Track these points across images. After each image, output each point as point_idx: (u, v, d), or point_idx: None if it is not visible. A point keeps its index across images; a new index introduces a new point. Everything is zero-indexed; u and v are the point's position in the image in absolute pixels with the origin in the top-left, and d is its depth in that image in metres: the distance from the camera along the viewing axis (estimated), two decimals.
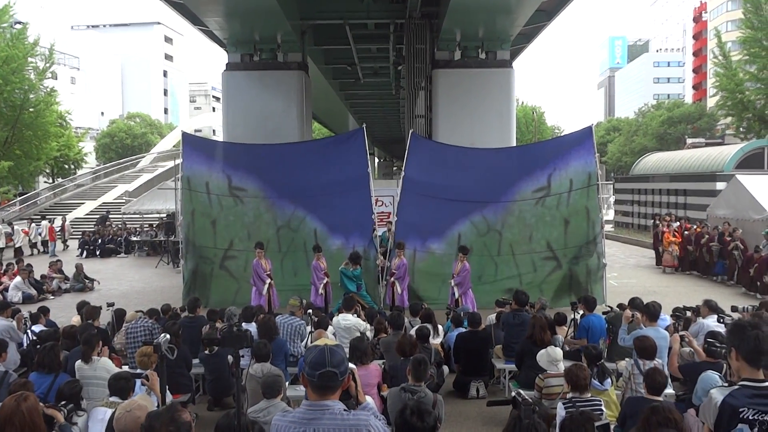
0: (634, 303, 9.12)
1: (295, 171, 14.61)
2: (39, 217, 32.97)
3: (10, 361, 8.20)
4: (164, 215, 29.59)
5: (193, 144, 15.47)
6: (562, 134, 66.73)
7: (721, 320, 8.53)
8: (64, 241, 31.05)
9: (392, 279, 13.49)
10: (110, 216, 33.36)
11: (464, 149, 15.40)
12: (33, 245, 29.33)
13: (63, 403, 5.37)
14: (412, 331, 8.94)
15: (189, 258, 14.90)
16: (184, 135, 16.00)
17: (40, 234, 29.58)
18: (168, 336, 5.22)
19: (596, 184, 14.17)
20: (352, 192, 14.12)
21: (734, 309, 9.43)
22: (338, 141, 16.96)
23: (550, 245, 14.45)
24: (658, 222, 23.03)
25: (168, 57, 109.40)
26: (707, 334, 6.83)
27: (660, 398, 5.58)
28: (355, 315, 9.64)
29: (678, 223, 22.00)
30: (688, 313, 9.83)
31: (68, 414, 5.26)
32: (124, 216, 32.27)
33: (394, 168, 60.98)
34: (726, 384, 3.87)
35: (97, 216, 38.69)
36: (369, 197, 14.00)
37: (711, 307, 8.89)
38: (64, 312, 14.21)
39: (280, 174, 14.68)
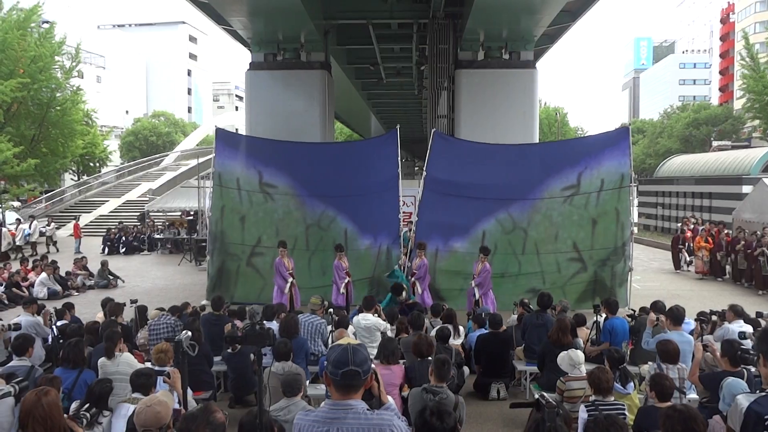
0: (657, 306, 9.04)
1: (328, 171, 14.63)
2: (32, 217, 30.85)
3: (36, 356, 8.30)
4: (187, 213, 29.78)
5: (226, 140, 15.50)
6: (586, 134, 66.30)
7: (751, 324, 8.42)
8: (54, 243, 29.41)
9: (413, 279, 13.46)
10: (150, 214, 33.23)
11: (490, 145, 15.27)
12: (18, 248, 27.28)
13: (86, 407, 5.41)
14: (433, 332, 8.94)
15: (216, 254, 14.95)
16: (218, 130, 15.98)
17: (27, 236, 27.92)
18: (189, 333, 5.26)
19: (629, 186, 13.97)
20: (383, 193, 14.14)
21: (759, 314, 9.31)
22: (373, 144, 16.99)
23: (576, 246, 14.26)
24: (685, 227, 22.71)
25: (192, 56, 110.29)
26: (723, 342, 6.69)
27: (678, 405, 5.48)
28: (375, 315, 9.64)
29: (704, 227, 21.68)
30: (714, 318, 9.70)
31: (91, 418, 5.30)
32: (158, 213, 32.35)
33: (416, 168, 60.89)
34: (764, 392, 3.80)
35: (122, 214, 39.20)
36: (397, 197, 14.00)
37: (737, 312, 8.78)
38: (88, 308, 14.36)
39: (312, 173, 14.69)
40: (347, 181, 14.50)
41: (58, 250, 27.64)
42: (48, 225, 30.30)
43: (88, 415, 5.27)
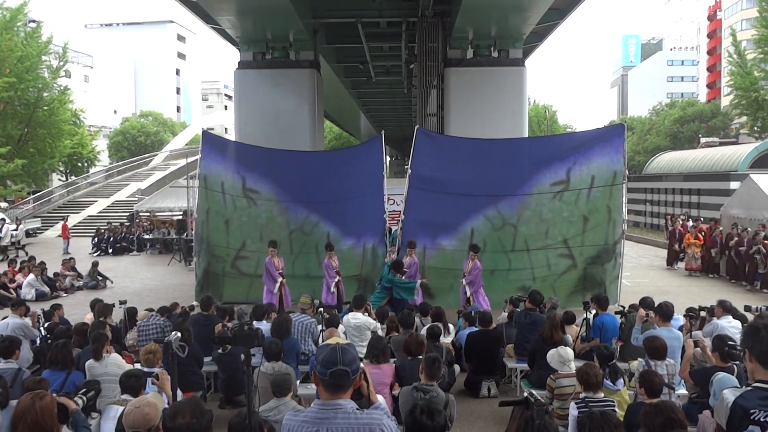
0: (646, 302, 9.07)
1: (312, 178, 14.66)
2: (2, 221, 29.08)
3: (23, 359, 8.24)
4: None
5: (212, 143, 15.54)
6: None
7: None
8: (19, 248, 28.29)
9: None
10: (140, 214, 33.00)
11: (477, 140, 15.17)
12: None
13: (83, 390, 5.40)
14: (423, 330, 8.94)
15: (202, 256, 14.95)
16: (204, 133, 16.02)
17: None
18: (179, 334, 5.24)
19: (621, 184, 13.89)
20: (366, 195, 14.13)
21: (747, 308, 9.36)
22: (358, 151, 17.02)
23: (567, 242, 14.19)
24: (671, 222, 22.68)
25: (181, 55, 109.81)
26: (715, 338, 6.76)
27: (657, 399, 5.50)
28: (366, 314, 9.63)
29: (692, 223, 21.66)
30: (702, 313, 9.74)
31: (88, 402, 5.29)
32: (146, 213, 32.17)
33: (406, 167, 61.10)
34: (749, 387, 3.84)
35: (110, 214, 39.04)
36: (381, 198, 13.96)
37: (725, 308, 8.81)
38: (77, 309, 14.30)
39: (295, 180, 14.73)
40: (331, 187, 14.53)
41: (18, 255, 25.08)
42: (16, 229, 29.45)
43: (84, 398, 5.26)
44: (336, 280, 13.37)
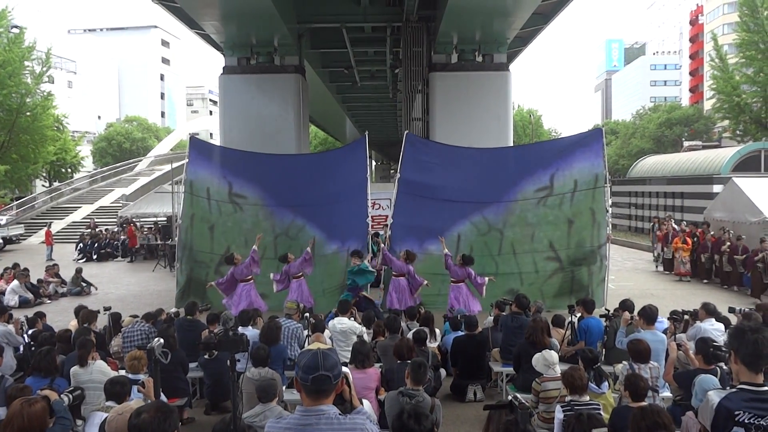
0: (626, 305, 9.12)
1: (297, 182, 14.60)
2: None
3: (6, 365, 8.17)
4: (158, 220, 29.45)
5: (199, 148, 15.43)
6: (560, 136, 66.77)
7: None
8: None
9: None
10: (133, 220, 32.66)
11: (463, 149, 15.20)
12: None
13: (70, 390, 5.38)
14: (410, 335, 8.94)
15: (185, 262, 14.84)
16: (192, 139, 15.90)
17: None
18: (162, 340, 5.22)
19: (603, 187, 13.93)
20: (351, 199, 14.10)
21: (731, 310, 9.42)
22: (342, 153, 16.99)
23: (553, 245, 14.20)
24: (658, 225, 22.67)
25: (165, 60, 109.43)
26: (698, 341, 6.80)
27: (644, 403, 5.53)
28: (351, 318, 9.62)
29: (680, 227, 21.62)
30: (686, 317, 9.79)
31: (74, 400, 5.26)
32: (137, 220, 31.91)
33: (392, 171, 61.02)
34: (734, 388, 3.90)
35: (95, 220, 38.75)
36: (365, 202, 13.93)
37: (709, 311, 8.85)
38: (61, 316, 14.18)
39: (281, 183, 14.65)
40: (316, 191, 14.46)
41: None
42: None
43: (70, 396, 5.23)
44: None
